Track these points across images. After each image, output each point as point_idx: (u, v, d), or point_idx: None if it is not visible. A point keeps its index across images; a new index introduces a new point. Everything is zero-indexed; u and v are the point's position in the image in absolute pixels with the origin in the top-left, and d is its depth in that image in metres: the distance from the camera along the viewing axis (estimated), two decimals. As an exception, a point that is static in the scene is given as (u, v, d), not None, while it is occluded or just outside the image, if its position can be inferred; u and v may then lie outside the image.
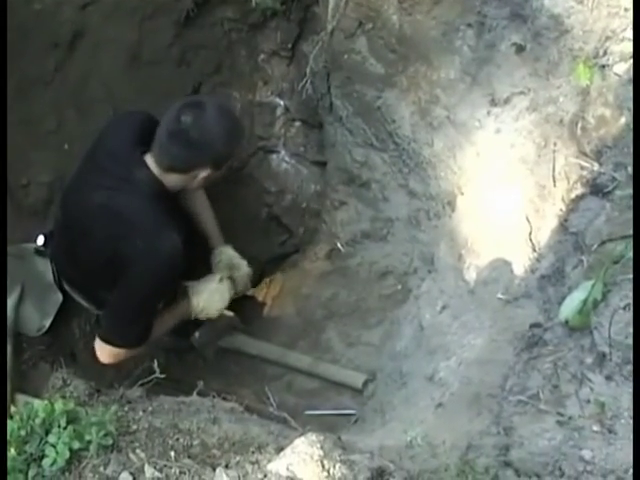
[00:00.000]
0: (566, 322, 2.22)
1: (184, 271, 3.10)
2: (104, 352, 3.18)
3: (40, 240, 3.51)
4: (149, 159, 3.08)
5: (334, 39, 3.42)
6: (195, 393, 2.49)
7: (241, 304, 3.85)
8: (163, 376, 2.41)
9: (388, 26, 3.27)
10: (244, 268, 3.62)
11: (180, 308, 3.38)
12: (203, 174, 3.09)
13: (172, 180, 3.10)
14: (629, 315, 2.09)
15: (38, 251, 3.54)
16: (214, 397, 2.50)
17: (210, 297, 3.42)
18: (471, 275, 3.00)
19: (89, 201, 3.12)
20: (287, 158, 4.20)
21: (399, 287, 3.46)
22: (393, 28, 3.26)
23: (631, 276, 2.16)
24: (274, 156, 4.21)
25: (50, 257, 3.51)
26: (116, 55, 3.78)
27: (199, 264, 3.52)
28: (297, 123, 4.13)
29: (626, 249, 2.20)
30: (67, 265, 3.41)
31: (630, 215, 2.36)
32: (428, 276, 3.29)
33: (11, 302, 3.52)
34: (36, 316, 3.57)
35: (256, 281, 3.93)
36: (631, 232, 2.28)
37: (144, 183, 3.07)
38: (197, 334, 3.67)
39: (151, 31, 3.80)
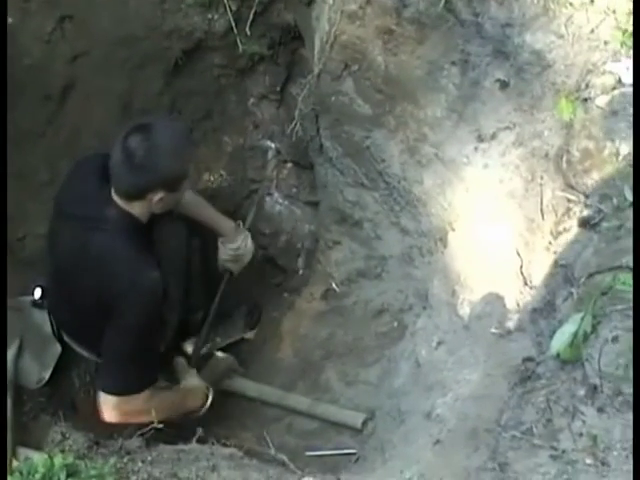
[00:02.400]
0: (558, 355, 2.22)
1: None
2: (108, 406, 3.12)
3: (37, 293, 3.52)
4: (114, 194, 3.09)
5: (321, 82, 3.47)
6: (194, 440, 2.49)
7: (240, 347, 3.87)
8: (161, 426, 2.41)
9: (374, 67, 3.31)
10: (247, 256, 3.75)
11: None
12: (158, 197, 3.04)
13: (136, 209, 3.08)
14: (619, 346, 2.10)
15: (35, 304, 3.55)
16: (213, 444, 2.50)
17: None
18: (465, 310, 3.01)
19: (68, 249, 3.16)
20: (280, 200, 4.24)
21: (395, 324, 3.47)
22: (379, 69, 3.30)
23: (620, 307, 2.18)
24: (267, 198, 4.25)
25: (48, 309, 3.53)
26: (107, 105, 3.83)
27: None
28: (289, 165, 4.19)
29: (613, 281, 2.22)
30: (64, 315, 3.42)
31: (617, 246, 2.38)
32: (423, 312, 3.31)
33: (10, 355, 3.52)
34: (35, 368, 3.57)
35: (254, 324, 3.95)
36: (618, 264, 2.31)
37: (114, 220, 3.07)
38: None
39: (141, 80, 3.85)
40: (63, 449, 2.25)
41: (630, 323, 2.14)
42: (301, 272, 4.14)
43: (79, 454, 2.25)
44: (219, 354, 3.75)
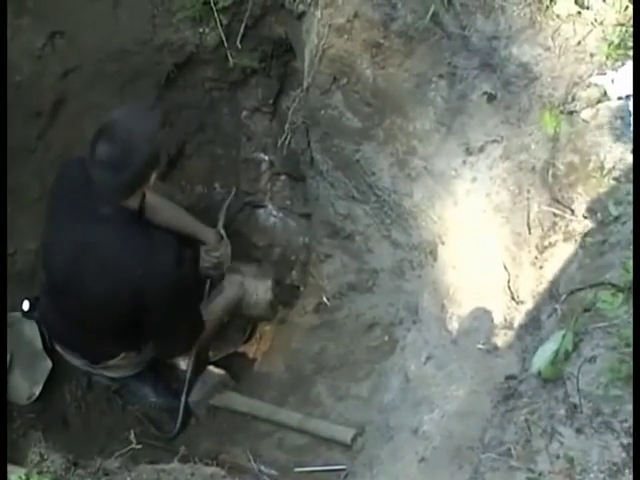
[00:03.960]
0: (539, 373, 2.20)
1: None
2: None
3: (25, 305, 3.53)
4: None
5: (310, 95, 3.46)
6: (176, 460, 2.47)
7: (232, 361, 3.87)
8: (139, 447, 2.40)
9: (362, 80, 3.30)
10: (226, 262, 3.84)
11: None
12: (152, 178, 3.12)
13: (133, 199, 3.12)
14: (600, 364, 2.08)
15: (25, 315, 3.55)
16: (195, 462, 2.48)
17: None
18: (454, 325, 3.00)
19: (69, 256, 3.17)
20: (274, 212, 4.23)
21: (386, 338, 3.45)
22: (367, 82, 3.29)
23: (602, 324, 2.16)
24: (261, 211, 4.25)
25: (39, 321, 3.52)
26: (99, 120, 3.75)
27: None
28: (282, 177, 4.18)
29: (595, 297, 2.20)
30: (59, 324, 3.42)
31: (601, 262, 2.37)
32: (413, 326, 3.29)
33: (0, 371, 3.53)
34: (25, 384, 3.58)
35: (247, 338, 3.94)
36: (601, 279, 2.29)
37: (112, 216, 3.10)
38: (190, 395, 3.68)
39: (133, 95, 3.84)
40: (40, 471, 2.23)
41: (611, 341, 2.12)
42: (296, 285, 4.12)
43: (56, 475, 2.23)
44: (212, 368, 3.73)
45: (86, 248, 3.12)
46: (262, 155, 4.17)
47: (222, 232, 3.76)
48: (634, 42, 2.60)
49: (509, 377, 2.39)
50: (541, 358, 2.22)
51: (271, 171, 4.18)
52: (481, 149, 3.01)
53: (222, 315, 3.73)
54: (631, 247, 2.22)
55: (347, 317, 3.68)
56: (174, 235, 3.31)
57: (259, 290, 3.85)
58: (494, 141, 2.96)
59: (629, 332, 2.06)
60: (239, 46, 3.71)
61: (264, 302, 3.88)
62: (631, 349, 2.02)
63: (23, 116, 3.70)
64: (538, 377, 2.23)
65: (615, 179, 2.48)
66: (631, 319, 2.08)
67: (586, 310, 2.24)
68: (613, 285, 2.23)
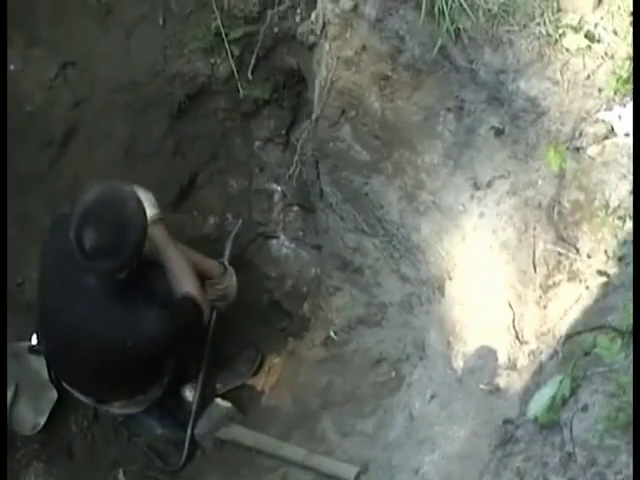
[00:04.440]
0: (536, 419, 2.15)
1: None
2: None
3: (34, 339, 3.52)
4: None
5: (319, 127, 3.44)
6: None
7: (240, 393, 3.83)
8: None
9: (370, 113, 3.27)
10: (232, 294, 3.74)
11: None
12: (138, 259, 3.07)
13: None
14: (598, 411, 2.02)
15: (32, 349, 3.55)
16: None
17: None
18: (459, 363, 2.94)
19: (57, 322, 3.19)
20: (287, 243, 4.20)
21: (393, 374, 3.40)
22: (375, 115, 3.26)
23: (601, 369, 2.10)
24: (274, 241, 4.22)
25: (45, 356, 3.52)
26: (110, 150, 3.84)
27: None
28: (295, 208, 4.15)
29: (594, 341, 2.14)
30: (63, 367, 3.42)
31: (604, 304, 2.32)
32: (420, 363, 3.24)
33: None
34: (30, 414, 3.58)
35: (255, 370, 3.91)
36: (603, 322, 2.24)
37: (94, 286, 3.08)
38: (197, 427, 3.65)
39: (144, 125, 3.85)
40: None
41: (610, 387, 2.06)
42: (307, 317, 4.08)
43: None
44: (219, 401, 3.71)
45: (72, 320, 3.13)
46: (275, 186, 4.15)
47: (226, 263, 3.71)
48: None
49: (507, 421, 2.33)
50: (538, 403, 2.17)
51: (284, 202, 4.16)
52: (489, 184, 2.96)
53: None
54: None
55: (355, 351, 3.63)
56: (162, 291, 3.27)
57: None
58: (501, 176, 2.91)
59: (628, 379, 2.01)
60: (250, 77, 3.69)
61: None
62: (629, 397, 1.97)
63: (34, 145, 3.71)
64: (535, 422, 2.17)
65: (620, 218, 2.42)
66: (631, 365, 2.03)
67: (586, 354, 2.19)
68: (614, 329, 2.18)
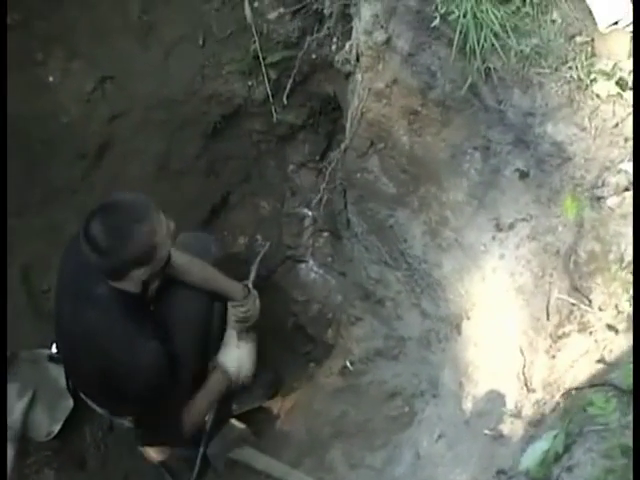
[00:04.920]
0: (527, 472, 2.12)
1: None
2: (150, 452, 3.35)
3: (54, 347, 3.57)
4: None
5: (348, 157, 3.44)
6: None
7: (255, 416, 3.83)
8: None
9: (399, 146, 3.26)
10: (254, 317, 3.64)
11: (214, 386, 3.42)
12: (139, 273, 2.97)
13: (125, 285, 3.02)
14: (589, 471, 1.99)
15: (52, 358, 3.59)
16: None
17: (240, 362, 3.46)
18: (468, 405, 2.92)
19: (69, 327, 3.18)
20: (315, 268, 4.20)
21: (406, 409, 3.38)
22: (404, 148, 3.25)
23: (597, 428, 2.07)
24: (302, 265, 4.22)
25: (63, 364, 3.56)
26: (143, 165, 3.87)
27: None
28: (325, 234, 4.15)
29: (593, 397, 2.11)
30: (77, 376, 3.44)
31: (609, 359, 2.28)
32: (432, 400, 3.22)
33: (21, 406, 3.58)
34: (46, 421, 3.62)
35: (272, 394, 3.91)
36: (606, 378, 2.20)
37: (105, 298, 3.04)
38: (209, 446, 3.65)
39: (179, 142, 3.88)
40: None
41: (605, 446, 2.03)
42: (330, 343, 4.07)
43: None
44: (234, 422, 3.71)
45: (80, 324, 3.11)
46: (306, 210, 4.15)
47: (250, 286, 3.70)
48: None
49: (500, 472, 2.30)
50: (531, 457, 2.14)
51: (314, 227, 4.16)
52: (511, 226, 2.93)
53: (206, 411, 3.50)
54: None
55: (371, 383, 3.61)
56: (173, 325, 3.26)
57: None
58: (523, 219, 2.88)
59: (622, 440, 1.97)
60: (285, 102, 3.71)
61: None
62: (622, 460, 1.93)
63: (68, 157, 3.76)
64: (527, 475, 2.14)
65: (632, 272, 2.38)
66: (629, 427, 2.00)
67: (584, 410, 2.15)
68: (615, 387, 2.14)
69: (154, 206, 3.00)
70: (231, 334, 3.53)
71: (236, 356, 3.49)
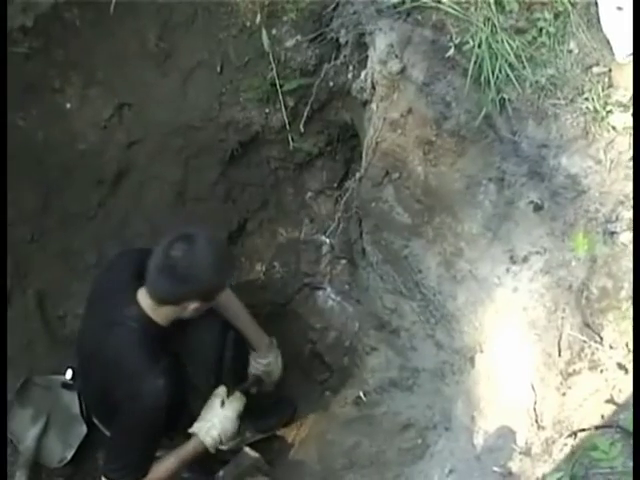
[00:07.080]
0: (531, 515, 2.08)
1: (177, 406, 3.13)
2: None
3: (69, 374, 3.58)
4: (142, 293, 3.09)
5: (363, 186, 3.42)
6: None
7: (270, 444, 3.81)
8: None
9: (413, 176, 3.25)
10: (276, 372, 3.66)
11: (189, 451, 3.32)
12: (193, 306, 3.06)
13: (164, 312, 3.09)
14: (593, 515, 1.95)
15: (65, 385, 3.60)
16: None
17: (222, 428, 3.33)
18: (479, 440, 2.88)
19: (90, 342, 3.21)
20: (332, 295, 4.18)
21: (419, 441, 3.34)
22: (418, 179, 3.23)
23: (602, 471, 2.03)
24: (319, 293, 4.20)
25: (78, 390, 3.57)
26: (161, 192, 3.87)
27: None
28: (342, 261, 4.12)
29: (597, 441, 2.07)
30: (91, 397, 3.46)
31: (618, 399, 2.24)
32: (445, 433, 3.18)
33: (34, 432, 3.58)
34: (59, 447, 3.62)
35: (286, 423, 3.89)
36: (615, 419, 2.16)
37: (133, 321, 3.08)
38: (221, 473, 3.63)
39: (196, 169, 3.87)
40: None
41: (610, 491, 1.99)
42: (346, 372, 4.04)
43: None
44: (247, 450, 3.68)
45: (101, 342, 3.13)
46: (323, 238, 4.13)
47: (274, 342, 3.68)
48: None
49: (502, 512, 2.26)
50: (536, 499, 2.10)
51: (332, 254, 4.13)
52: (525, 259, 2.89)
53: (175, 472, 3.33)
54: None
55: (385, 414, 3.58)
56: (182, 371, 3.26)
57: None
58: (537, 252, 2.85)
59: (627, 485, 1.93)
60: (302, 130, 3.69)
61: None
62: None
63: (85, 183, 3.76)
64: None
65: (642, 310, 2.34)
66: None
67: (591, 452, 2.11)
68: (622, 429, 2.10)
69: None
70: (217, 394, 3.39)
71: (218, 420, 3.32)
